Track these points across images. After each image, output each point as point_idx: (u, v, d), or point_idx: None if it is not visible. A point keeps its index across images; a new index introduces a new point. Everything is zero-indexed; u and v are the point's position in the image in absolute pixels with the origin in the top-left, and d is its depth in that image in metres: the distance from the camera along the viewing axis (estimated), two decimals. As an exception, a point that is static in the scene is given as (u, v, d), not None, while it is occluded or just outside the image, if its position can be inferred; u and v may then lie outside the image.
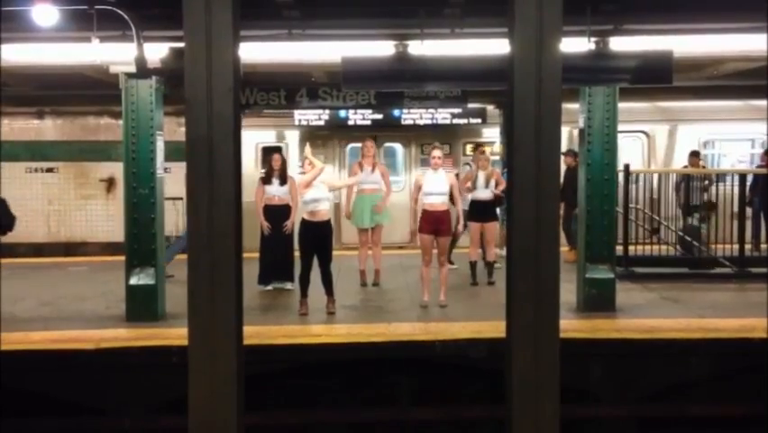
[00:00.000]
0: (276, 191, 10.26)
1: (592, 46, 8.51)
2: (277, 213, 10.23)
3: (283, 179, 10.33)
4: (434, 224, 9.18)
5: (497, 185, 10.82)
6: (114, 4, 8.13)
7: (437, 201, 9.21)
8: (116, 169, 12.87)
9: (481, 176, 10.72)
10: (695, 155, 13.12)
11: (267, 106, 11.76)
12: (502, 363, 3.30)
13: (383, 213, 10.73)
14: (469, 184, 10.73)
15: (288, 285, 10.36)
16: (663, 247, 11.81)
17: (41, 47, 9.03)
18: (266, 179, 10.42)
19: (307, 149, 9.39)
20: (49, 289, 10.90)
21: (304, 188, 9.06)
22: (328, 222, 9.19)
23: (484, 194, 10.68)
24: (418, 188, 9.40)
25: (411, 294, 9.94)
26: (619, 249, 10.34)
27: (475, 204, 10.72)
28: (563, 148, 11.99)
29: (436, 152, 9.46)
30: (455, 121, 14.67)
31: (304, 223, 9.10)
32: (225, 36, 2.93)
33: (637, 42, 8.76)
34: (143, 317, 8.67)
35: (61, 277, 12.10)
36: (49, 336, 8.14)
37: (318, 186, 9.06)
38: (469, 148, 14.89)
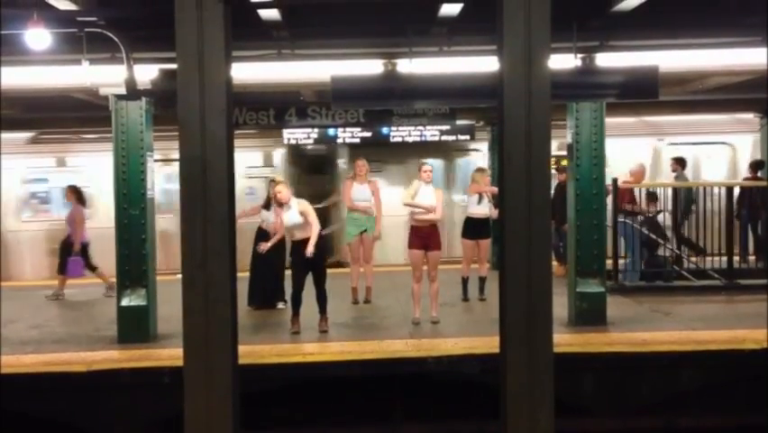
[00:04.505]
0: (272, 218, 10.20)
1: (578, 62, 8.59)
2: (269, 238, 10.22)
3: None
4: (423, 239, 9.18)
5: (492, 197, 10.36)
6: (104, 27, 8.15)
7: (426, 216, 9.21)
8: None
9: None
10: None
11: (256, 126, 11.84)
12: (496, 379, 3.32)
13: (370, 225, 10.72)
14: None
15: (280, 304, 10.36)
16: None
17: (32, 70, 8.99)
18: (265, 206, 10.59)
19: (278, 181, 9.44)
20: (37, 311, 10.84)
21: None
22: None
23: (478, 210, 10.39)
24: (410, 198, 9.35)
25: (403, 311, 9.93)
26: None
27: (470, 221, 10.43)
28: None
29: (427, 166, 9.51)
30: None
31: (292, 245, 9.14)
32: (217, 58, 2.97)
33: (623, 58, 8.85)
34: (135, 338, 8.62)
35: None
36: (41, 358, 8.11)
37: (293, 213, 9.00)
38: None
